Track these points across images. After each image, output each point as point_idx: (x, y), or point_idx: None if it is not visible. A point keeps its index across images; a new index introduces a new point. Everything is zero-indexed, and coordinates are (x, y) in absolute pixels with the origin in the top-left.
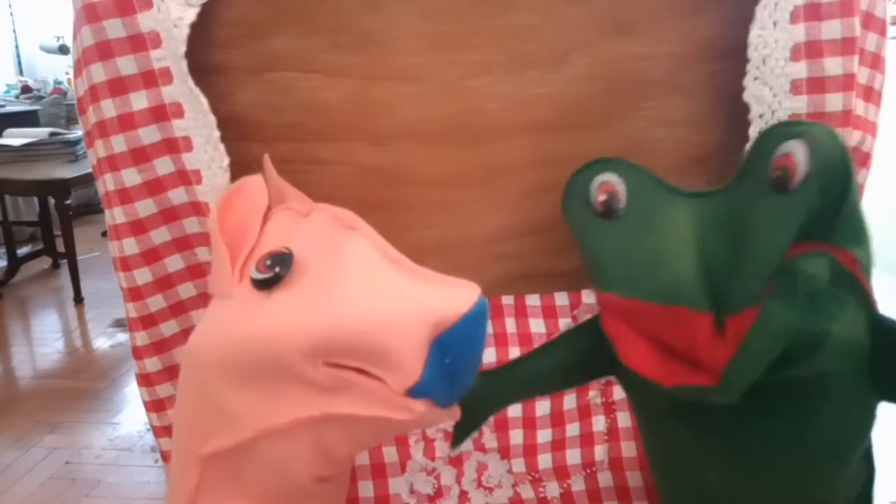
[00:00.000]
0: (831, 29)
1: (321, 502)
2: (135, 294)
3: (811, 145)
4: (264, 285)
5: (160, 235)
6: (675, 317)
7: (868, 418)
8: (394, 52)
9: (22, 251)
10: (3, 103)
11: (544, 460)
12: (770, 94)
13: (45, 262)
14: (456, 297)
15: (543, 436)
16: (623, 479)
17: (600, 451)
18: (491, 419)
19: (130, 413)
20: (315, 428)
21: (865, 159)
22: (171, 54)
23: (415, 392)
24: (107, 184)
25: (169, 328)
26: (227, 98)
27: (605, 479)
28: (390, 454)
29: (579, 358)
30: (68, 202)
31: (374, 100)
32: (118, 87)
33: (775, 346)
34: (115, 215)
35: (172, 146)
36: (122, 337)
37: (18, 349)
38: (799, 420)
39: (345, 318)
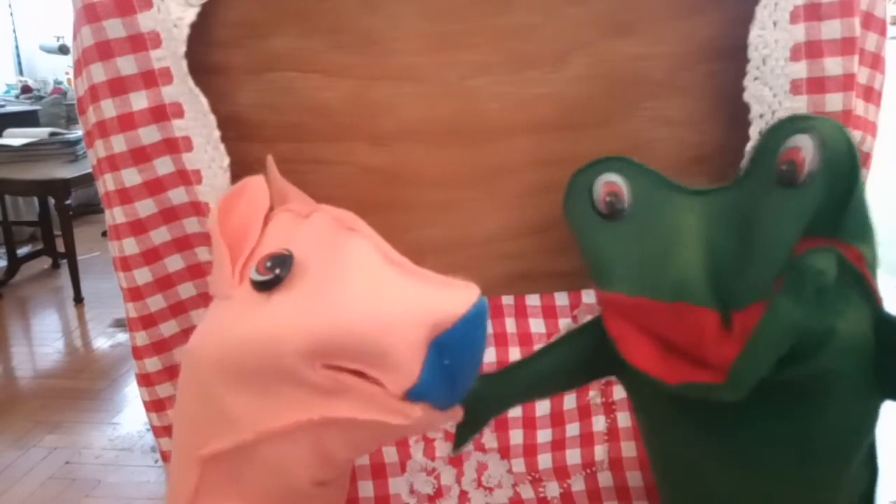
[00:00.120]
0: (831, 29)
1: None
2: (135, 294)
3: (818, 139)
4: (264, 287)
5: (160, 235)
6: (681, 314)
7: (871, 417)
8: (394, 52)
9: (22, 251)
10: (3, 103)
11: (544, 460)
12: (770, 94)
13: (45, 262)
14: (455, 298)
15: (543, 436)
16: (623, 479)
17: (600, 451)
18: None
19: (130, 413)
20: (314, 431)
21: (865, 159)
22: (171, 54)
23: (413, 394)
24: (107, 184)
25: (169, 328)
26: (227, 98)
27: (605, 479)
28: (390, 454)
29: (581, 359)
30: (68, 202)
31: (374, 100)
32: (118, 87)
33: (783, 341)
34: (115, 215)
35: (172, 146)
36: (122, 337)
37: (18, 349)
38: (802, 419)
39: (343, 320)
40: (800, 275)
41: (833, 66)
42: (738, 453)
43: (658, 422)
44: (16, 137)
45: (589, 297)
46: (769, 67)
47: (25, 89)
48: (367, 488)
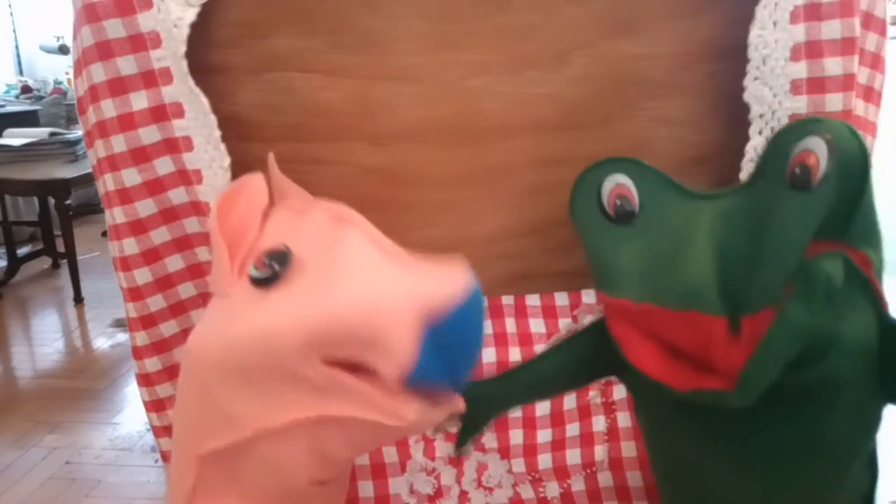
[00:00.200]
0: (831, 29)
1: None
2: (135, 294)
3: (831, 142)
4: (262, 283)
5: (160, 235)
6: (690, 321)
7: (875, 420)
8: (394, 52)
9: (22, 251)
10: (3, 103)
11: (544, 460)
12: (770, 94)
13: (45, 262)
14: (447, 281)
15: (543, 436)
16: (623, 479)
17: (600, 451)
18: None
19: (130, 413)
20: (312, 430)
21: None
22: (172, 54)
23: (411, 378)
24: (107, 184)
25: (169, 328)
26: (227, 98)
27: (605, 478)
28: (390, 454)
29: (582, 361)
30: (68, 202)
31: (375, 100)
32: (118, 87)
33: (793, 347)
34: (115, 215)
35: (173, 146)
36: (122, 337)
37: (18, 349)
38: (806, 423)
39: (336, 309)
40: (811, 280)
41: (833, 66)
42: (741, 455)
43: (659, 422)
44: (16, 137)
45: (589, 297)
46: (769, 67)
47: (25, 89)
48: (367, 488)
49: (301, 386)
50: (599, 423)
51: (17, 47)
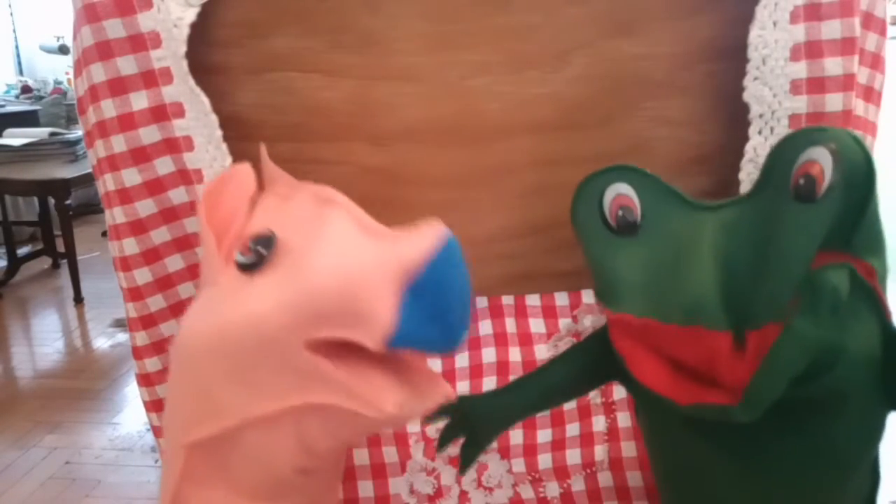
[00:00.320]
0: (831, 29)
1: (305, 495)
2: (135, 294)
3: (835, 152)
4: (248, 268)
5: (160, 235)
6: (693, 336)
7: (879, 429)
8: (394, 52)
9: (22, 251)
10: (3, 103)
11: (544, 460)
12: (770, 94)
13: (45, 262)
14: (419, 239)
15: (543, 436)
16: (623, 479)
17: (600, 451)
18: None
19: (130, 413)
20: (296, 418)
21: None
22: (172, 54)
23: (395, 341)
24: (107, 184)
25: (169, 328)
26: (227, 98)
27: (605, 479)
28: (390, 454)
29: (588, 369)
30: (68, 202)
31: (375, 100)
32: (118, 87)
33: (800, 362)
34: (115, 215)
35: (173, 146)
36: (122, 337)
37: (18, 349)
38: (811, 434)
39: (313, 283)
40: (817, 294)
41: (833, 66)
42: (744, 463)
43: (662, 429)
44: (16, 137)
45: (589, 297)
46: (769, 67)
47: (25, 89)
48: (367, 488)
49: (286, 373)
50: (599, 423)
51: (17, 47)
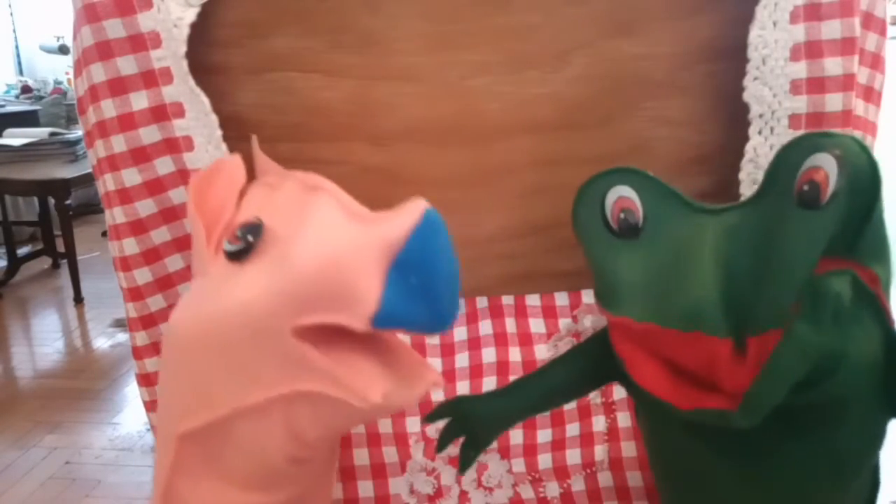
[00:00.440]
0: (831, 29)
1: (298, 485)
2: (135, 294)
3: (840, 158)
4: (237, 257)
5: (160, 235)
6: (693, 342)
7: (880, 435)
8: (394, 52)
9: (22, 251)
10: (3, 103)
11: (544, 460)
12: (770, 94)
13: (45, 262)
14: (401, 217)
15: (543, 436)
16: (623, 479)
17: (600, 451)
18: None
19: (130, 413)
20: (285, 406)
21: None
22: (172, 54)
23: (380, 319)
24: (107, 184)
25: None
26: (227, 98)
27: (605, 478)
28: (390, 454)
29: (588, 371)
30: (68, 202)
31: (374, 100)
32: (118, 87)
33: (800, 369)
34: (116, 215)
35: (173, 146)
36: (122, 337)
37: (18, 349)
38: (812, 440)
39: (298, 268)
40: (819, 301)
41: (833, 66)
42: (745, 467)
43: (663, 432)
44: (16, 137)
45: (589, 297)
46: (769, 67)
47: (25, 89)
48: (367, 488)
49: (275, 360)
50: (599, 423)
51: (17, 47)
